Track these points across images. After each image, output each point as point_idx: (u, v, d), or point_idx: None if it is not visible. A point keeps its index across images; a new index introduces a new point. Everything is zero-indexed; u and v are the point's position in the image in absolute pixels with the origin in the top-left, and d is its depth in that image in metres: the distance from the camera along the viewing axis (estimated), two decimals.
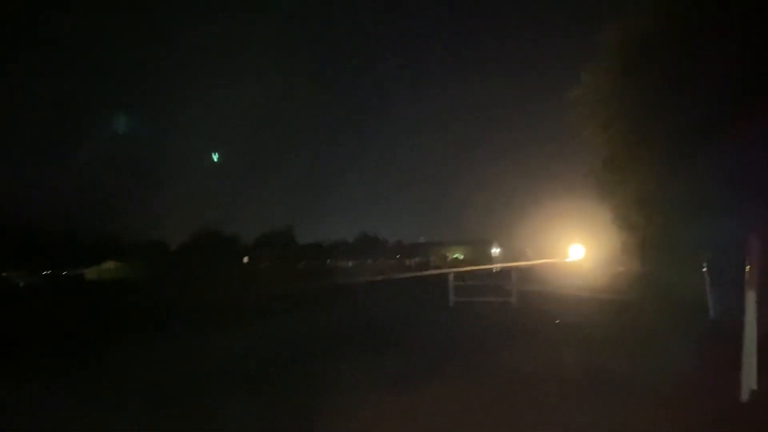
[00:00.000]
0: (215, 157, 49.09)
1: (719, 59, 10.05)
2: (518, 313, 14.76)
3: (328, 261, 64.55)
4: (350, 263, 65.58)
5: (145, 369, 8.63)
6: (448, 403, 6.20)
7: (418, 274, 49.09)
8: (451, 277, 18.34)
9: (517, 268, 31.36)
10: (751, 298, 5.73)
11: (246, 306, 20.58)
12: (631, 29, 12.70)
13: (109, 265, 60.73)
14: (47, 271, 57.98)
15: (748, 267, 5.76)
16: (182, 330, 13.21)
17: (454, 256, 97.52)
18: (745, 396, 5.53)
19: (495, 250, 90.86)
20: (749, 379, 5.60)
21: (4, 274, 54.27)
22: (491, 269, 46.98)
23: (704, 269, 11.29)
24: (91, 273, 58.43)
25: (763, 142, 9.41)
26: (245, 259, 63.77)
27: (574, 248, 53.22)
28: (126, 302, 24.76)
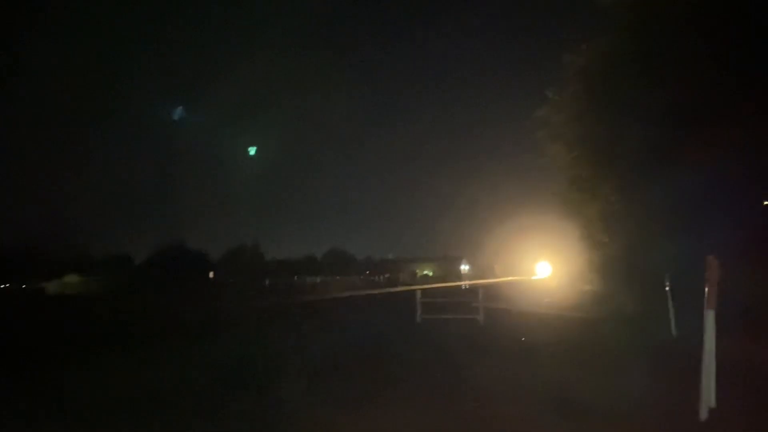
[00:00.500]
0: (252, 151, 46.10)
1: (679, 86, 10.33)
2: (484, 331, 14.79)
3: (296, 277, 63.97)
4: (318, 279, 65.10)
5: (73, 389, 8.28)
6: (407, 423, 6.12)
7: (387, 290, 49.04)
8: (418, 294, 18.32)
9: (484, 285, 31.56)
10: (709, 318, 5.80)
11: (202, 322, 20.18)
12: (595, 54, 13.00)
13: (72, 278, 59.23)
14: (5, 284, 56.28)
15: (707, 287, 5.85)
16: (129, 348, 12.77)
17: (424, 272, 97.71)
18: (704, 415, 5.59)
19: (464, 267, 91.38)
20: (708, 398, 5.66)
21: None
22: (460, 286, 47.22)
23: (667, 288, 11.49)
24: (52, 286, 56.86)
25: (722, 168, 9.66)
26: (211, 275, 62.80)
27: (541, 266, 53.83)
28: (73, 317, 24.00)
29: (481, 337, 13.51)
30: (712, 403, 5.67)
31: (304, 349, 12.06)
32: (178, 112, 47.07)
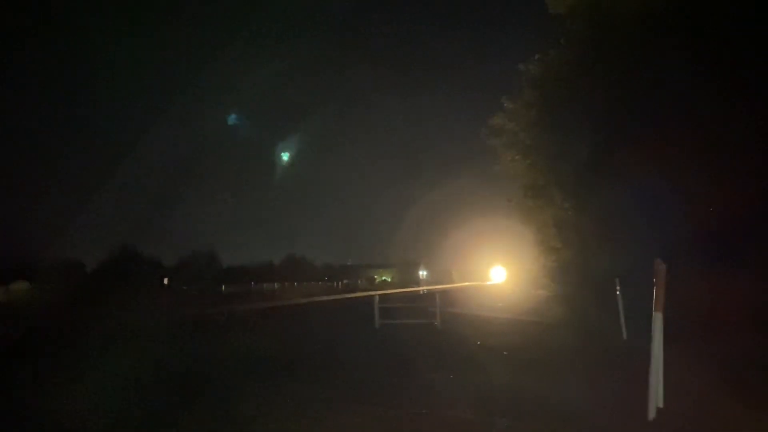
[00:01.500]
0: (285, 157, 42.84)
1: (628, 95, 10.64)
2: (442, 335, 14.90)
3: (253, 284, 63.21)
4: (276, 285, 64.53)
5: None
6: (365, 427, 6.13)
7: (346, 296, 48.93)
8: (376, 300, 18.35)
9: (442, 290, 31.80)
10: (657, 320, 5.98)
11: (157, 329, 19.69)
12: (549, 64, 13.32)
13: (20, 285, 57.15)
14: None
15: (655, 290, 6.02)
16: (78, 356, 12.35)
17: (383, 278, 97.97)
18: (651, 415, 5.75)
19: (422, 273, 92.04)
20: (656, 398, 5.83)
21: None
22: (418, 291, 47.50)
23: (617, 292, 11.81)
24: None
25: (669, 174, 9.99)
26: (165, 281, 61.52)
27: (496, 271, 54.66)
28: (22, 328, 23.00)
29: (438, 341, 13.60)
30: (660, 402, 5.84)
31: (263, 354, 11.96)
32: (232, 119, 45.00)
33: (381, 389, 8.04)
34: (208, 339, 15.79)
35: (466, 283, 74.96)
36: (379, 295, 20.55)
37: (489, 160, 17.29)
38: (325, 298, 44.34)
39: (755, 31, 8.88)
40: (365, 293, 46.78)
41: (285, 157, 40.73)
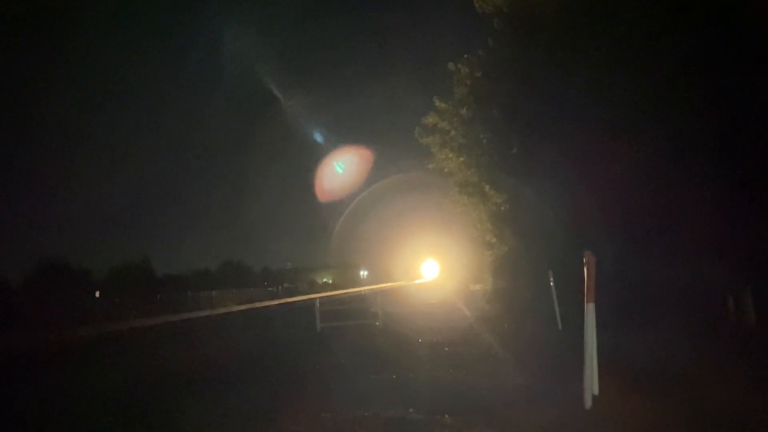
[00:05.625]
0: (339, 169, 40.10)
1: (552, 93, 10.91)
2: (383, 335, 14.94)
3: (189, 293, 61.50)
4: (214, 293, 63.03)
5: None
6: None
7: (286, 300, 48.42)
8: (317, 303, 18.22)
9: (383, 290, 31.94)
10: (590, 310, 6.13)
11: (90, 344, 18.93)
12: (478, 63, 13.54)
13: None
14: None
15: (585, 282, 6.18)
16: None
17: (323, 280, 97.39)
18: (588, 403, 5.90)
19: (363, 273, 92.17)
20: (591, 386, 5.98)
21: None
22: (359, 292, 47.46)
23: (551, 284, 12.12)
24: None
25: (597, 170, 10.32)
26: (96, 294, 59.18)
27: (434, 268, 55.30)
28: None
29: (380, 341, 13.62)
30: (596, 390, 6.00)
31: (200, 366, 11.63)
32: (318, 136, 42.90)
33: (323, 394, 7.94)
34: (141, 354, 15.23)
35: (407, 282, 75.49)
36: (320, 298, 20.42)
37: (424, 159, 17.35)
38: (265, 303, 43.71)
39: (670, 27, 9.26)
40: (306, 297, 46.44)
41: (339, 168, 39.03)
